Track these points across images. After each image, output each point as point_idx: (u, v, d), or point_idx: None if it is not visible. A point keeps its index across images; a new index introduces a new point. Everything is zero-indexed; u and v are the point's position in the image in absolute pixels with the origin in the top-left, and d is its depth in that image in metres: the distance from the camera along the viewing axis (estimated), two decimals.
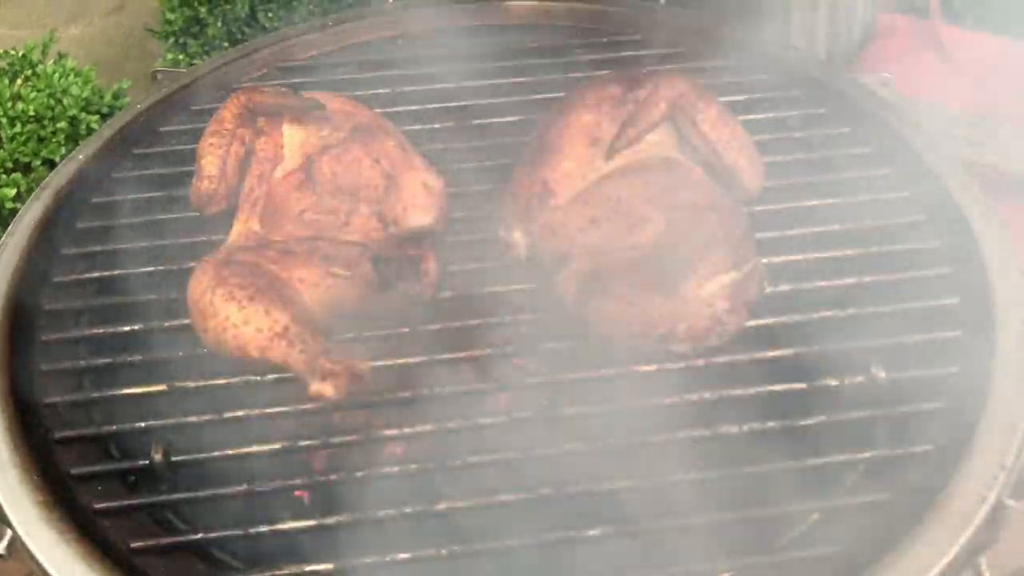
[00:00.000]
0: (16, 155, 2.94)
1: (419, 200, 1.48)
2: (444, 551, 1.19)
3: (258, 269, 1.36)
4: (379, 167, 1.49)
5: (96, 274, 1.56)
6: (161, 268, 1.54)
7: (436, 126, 1.81)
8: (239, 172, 1.53)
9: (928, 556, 1.13)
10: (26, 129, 2.97)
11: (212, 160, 1.51)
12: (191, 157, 1.55)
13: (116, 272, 1.56)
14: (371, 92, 1.88)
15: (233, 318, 1.29)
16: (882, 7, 3.05)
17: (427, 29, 2.10)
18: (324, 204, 1.47)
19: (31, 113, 2.98)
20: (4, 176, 2.91)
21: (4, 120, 2.95)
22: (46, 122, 3.01)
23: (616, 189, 1.44)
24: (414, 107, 1.86)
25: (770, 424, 1.30)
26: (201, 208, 1.52)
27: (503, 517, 1.25)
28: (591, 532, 1.21)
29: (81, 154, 1.73)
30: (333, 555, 1.19)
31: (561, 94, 1.68)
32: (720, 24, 2.04)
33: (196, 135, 1.58)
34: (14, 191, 2.83)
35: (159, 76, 1.97)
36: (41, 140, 3.01)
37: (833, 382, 1.34)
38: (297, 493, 1.58)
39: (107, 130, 1.80)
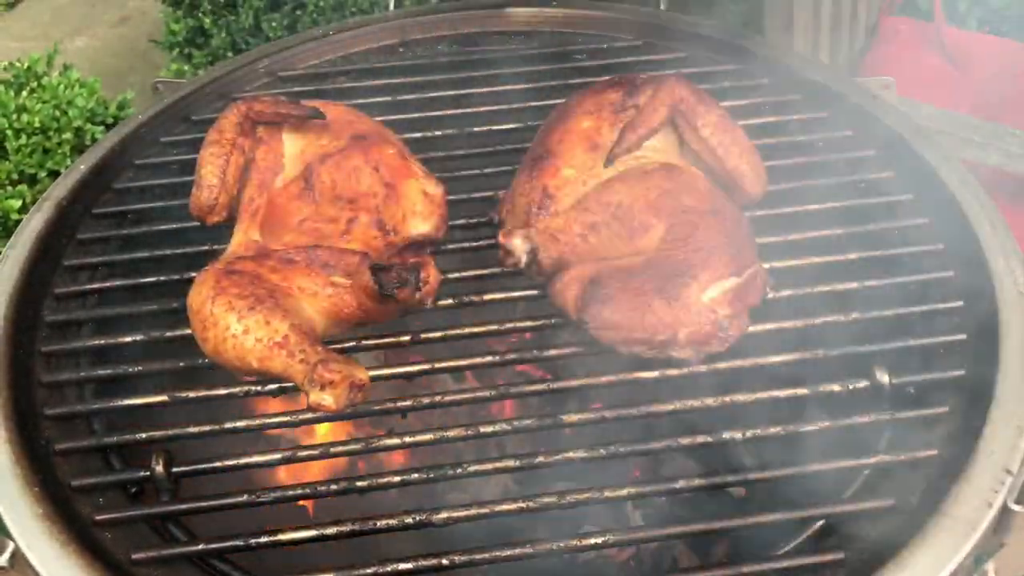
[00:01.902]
0: (21, 166, 2.95)
1: (419, 208, 1.47)
2: (445, 561, 1.18)
3: (258, 279, 1.35)
4: (379, 175, 1.49)
5: (97, 285, 1.56)
6: (162, 278, 1.54)
7: (436, 134, 1.81)
8: (239, 181, 1.52)
9: (933, 562, 1.12)
10: (31, 140, 2.98)
11: (212, 170, 1.50)
12: (192, 167, 1.55)
13: (117, 283, 1.56)
14: (372, 100, 1.88)
15: (233, 328, 1.29)
16: (885, 10, 3.05)
17: (427, 37, 2.10)
18: (324, 213, 1.46)
19: (36, 125, 2.99)
20: (10, 188, 2.92)
21: (9, 132, 2.96)
22: (51, 133, 3.02)
23: (616, 195, 1.44)
24: (414, 115, 1.85)
25: (773, 430, 1.29)
26: (201, 218, 1.52)
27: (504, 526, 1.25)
28: (592, 540, 1.20)
29: (82, 164, 1.73)
30: (334, 565, 1.18)
31: (561, 100, 1.67)
32: (721, 29, 2.03)
33: (197, 145, 1.58)
34: (19, 203, 2.84)
35: (160, 87, 1.97)
36: (46, 151, 3.02)
37: (836, 387, 1.33)
38: (302, 502, 1.58)
39: (108, 141, 1.80)
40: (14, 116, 2.98)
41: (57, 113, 3.05)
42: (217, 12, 3.72)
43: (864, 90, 1.82)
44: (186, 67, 3.79)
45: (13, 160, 2.94)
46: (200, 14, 3.76)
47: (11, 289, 1.49)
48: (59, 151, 3.01)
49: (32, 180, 2.97)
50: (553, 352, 1.41)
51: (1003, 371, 1.30)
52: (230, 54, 3.60)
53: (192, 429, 1.32)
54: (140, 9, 4.61)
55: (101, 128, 3.09)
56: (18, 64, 3.17)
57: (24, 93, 3.10)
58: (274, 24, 3.56)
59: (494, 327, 1.44)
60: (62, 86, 3.13)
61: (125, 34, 4.48)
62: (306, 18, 3.51)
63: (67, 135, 3.03)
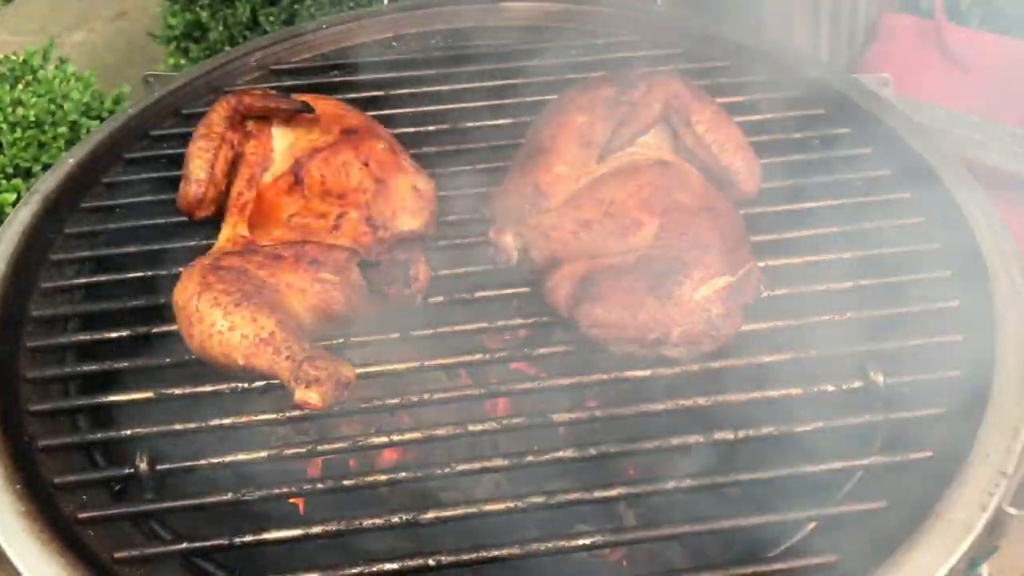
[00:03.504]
0: (16, 160, 2.94)
1: (408, 203, 1.46)
2: (431, 561, 1.16)
3: (245, 274, 1.34)
4: (368, 170, 1.47)
5: (84, 280, 1.55)
6: (149, 274, 1.53)
7: (429, 128, 1.80)
8: (228, 176, 1.51)
9: (927, 565, 1.11)
10: (26, 134, 2.96)
11: (200, 164, 1.49)
12: (181, 161, 1.54)
13: (104, 278, 1.55)
14: (364, 94, 1.87)
15: (219, 324, 1.27)
16: (886, 7, 3.03)
17: (421, 31, 2.09)
18: (313, 208, 1.45)
19: (32, 118, 2.97)
20: (4, 182, 2.91)
21: (4, 125, 2.94)
22: (47, 127, 3.01)
23: (609, 191, 1.42)
24: (407, 109, 1.84)
25: (766, 430, 1.27)
26: (189, 212, 1.50)
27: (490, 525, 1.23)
28: (581, 540, 1.18)
29: (71, 158, 1.72)
30: (318, 565, 1.17)
31: (555, 96, 1.65)
32: (718, 25, 2.02)
33: (187, 139, 1.56)
34: (14, 196, 2.83)
35: (150, 80, 1.96)
36: (41, 145, 3.00)
37: (830, 387, 1.31)
38: (293, 500, 1.57)
39: (98, 135, 1.79)
40: (9, 110, 2.96)
41: (52, 107, 3.04)
42: (215, 6, 3.70)
43: (862, 87, 1.80)
44: (183, 61, 3.78)
45: (8, 154, 2.92)
46: (198, 8, 3.75)
47: None
48: (54, 145, 3.00)
49: (27, 174, 2.95)
50: (544, 350, 1.39)
51: (999, 372, 1.29)
52: (227, 48, 3.58)
53: (177, 426, 1.31)
54: (138, 3, 4.60)
55: (96, 122, 3.07)
56: (13, 57, 3.16)
57: (19, 87, 3.09)
58: (271, 19, 3.55)
59: (485, 325, 1.42)
60: (58, 80, 3.12)
61: (123, 28, 4.47)
62: (303, 12, 3.50)
63: (62, 129, 3.01)
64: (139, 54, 4.30)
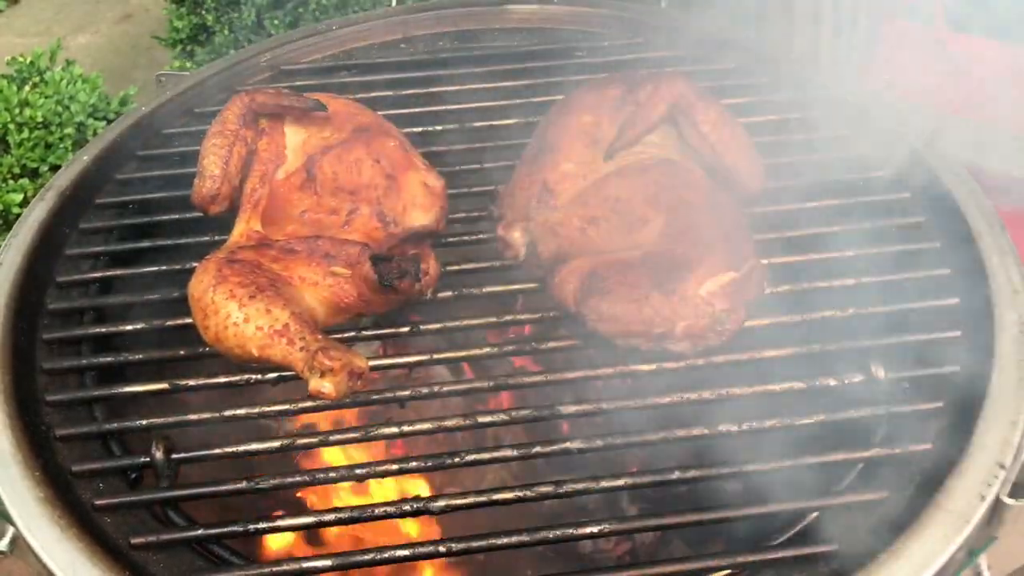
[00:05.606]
0: (24, 161, 2.96)
1: (419, 200, 1.48)
2: (442, 548, 1.19)
3: (259, 268, 1.36)
4: (380, 167, 1.50)
5: (99, 274, 1.58)
6: (164, 268, 1.55)
7: (437, 128, 1.82)
8: (241, 172, 1.53)
9: (927, 554, 1.13)
10: (33, 135, 2.99)
11: (215, 160, 1.51)
12: (194, 158, 1.56)
13: (119, 272, 1.57)
14: (373, 95, 1.89)
15: (234, 316, 1.30)
16: (886, 13, 3.05)
17: (429, 33, 2.11)
18: (325, 204, 1.47)
19: (39, 119, 2.99)
20: (11, 181, 2.93)
21: (12, 126, 2.97)
22: (53, 128, 3.03)
23: (616, 189, 1.45)
24: (416, 109, 1.87)
25: (769, 423, 1.30)
26: (204, 208, 1.53)
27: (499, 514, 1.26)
28: (588, 529, 1.20)
29: (86, 155, 1.74)
30: (332, 552, 1.19)
31: (561, 96, 1.68)
32: (722, 27, 2.04)
33: (199, 137, 1.58)
34: (21, 196, 2.85)
35: (163, 79, 1.98)
36: (48, 146, 3.03)
37: (832, 382, 1.34)
38: (298, 494, 1.59)
39: (111, 132, 1.81)
40: (16, 111, 2.99)
41: (59, 108, 3.06)
42: (220, 9, 3.73)
43: (864, 91, 1.83)
44: (188, 64, 3.80)
45: (15, 154, 2.95)
46: (203, 11, 3.77)
47: (13, 276, 1.50)
48: (61, 146, 3.02)
49: (34, 174, 2.98)
50: (551, 344, 1.41)
51: (997, 367, 1.31)
52: (232, 51, 3.61)
53: (192, 416, 1.33)
54: (143, 6, 4.63)
55: (103, 123, 3.10)
56: (21, 59, 3.18)
57: (27, 88, 3.11)
58: (276, 22, 3.57)
59: (493, 319, 1.44)
60: (64, 81, 3.14)
61: (128, 31, 4.49)
62: (308, 15, 3.52)
63: (69, 130, 3.04)
64: (144, 56, 4.33)
